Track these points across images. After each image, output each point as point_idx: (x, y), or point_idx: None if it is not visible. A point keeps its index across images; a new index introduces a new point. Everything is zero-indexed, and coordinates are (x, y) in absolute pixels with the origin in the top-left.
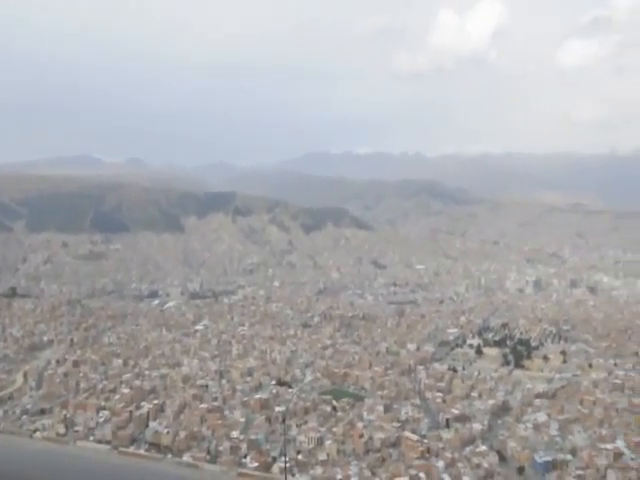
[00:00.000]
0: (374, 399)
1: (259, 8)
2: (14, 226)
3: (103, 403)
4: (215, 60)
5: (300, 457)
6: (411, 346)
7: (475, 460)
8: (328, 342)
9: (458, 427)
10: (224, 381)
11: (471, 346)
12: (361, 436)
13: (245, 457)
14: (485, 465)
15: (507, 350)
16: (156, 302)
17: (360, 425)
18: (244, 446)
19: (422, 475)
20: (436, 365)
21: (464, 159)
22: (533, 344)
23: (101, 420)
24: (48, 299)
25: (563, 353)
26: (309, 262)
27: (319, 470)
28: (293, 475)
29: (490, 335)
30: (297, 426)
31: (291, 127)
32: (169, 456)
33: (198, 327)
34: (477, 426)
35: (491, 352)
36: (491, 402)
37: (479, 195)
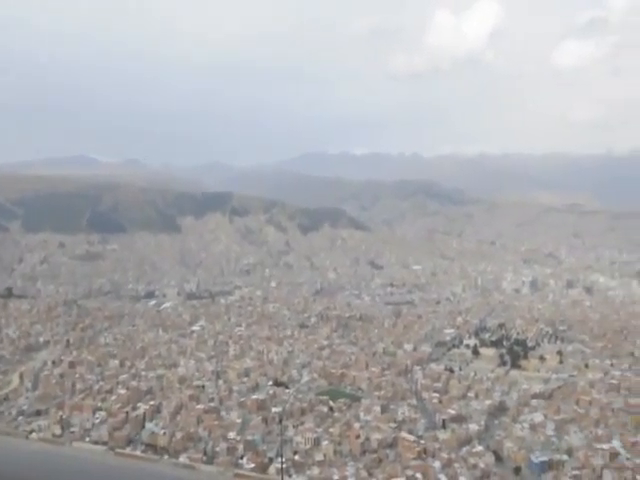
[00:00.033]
0: (371, 400)
1: (259, 8)
2: (10, 226)
3: (99, 404)
4: (215, 60)
5: (297, 458)
6: (408, 346)
7: (471, 460)
8: (325, 343)
9: (455, 427)
10: (221, 382)
11: (468, 346)
12: (358, 437)
13: (242, 458)
14: (481, 465)
15: (504, 350)
16: (153, 303)
17: (357, 426)
18: (241, 447)
19: (419, 476)
20: (433, 365)
21: (461, 159)
22: (529, 344)
23: (97, 421)
24: (44, 299)
25: (559, 353)
26: (306, 262)
27: (316, 471)
28: (290, 476)
29: (487, 335)
30: (294, 427)
31: (289, 127)
32: (165, 457)
33: (195, 328)
34: (473, 426)
35: (488, 352)
36: (487, 402)
37: (476, 195)
